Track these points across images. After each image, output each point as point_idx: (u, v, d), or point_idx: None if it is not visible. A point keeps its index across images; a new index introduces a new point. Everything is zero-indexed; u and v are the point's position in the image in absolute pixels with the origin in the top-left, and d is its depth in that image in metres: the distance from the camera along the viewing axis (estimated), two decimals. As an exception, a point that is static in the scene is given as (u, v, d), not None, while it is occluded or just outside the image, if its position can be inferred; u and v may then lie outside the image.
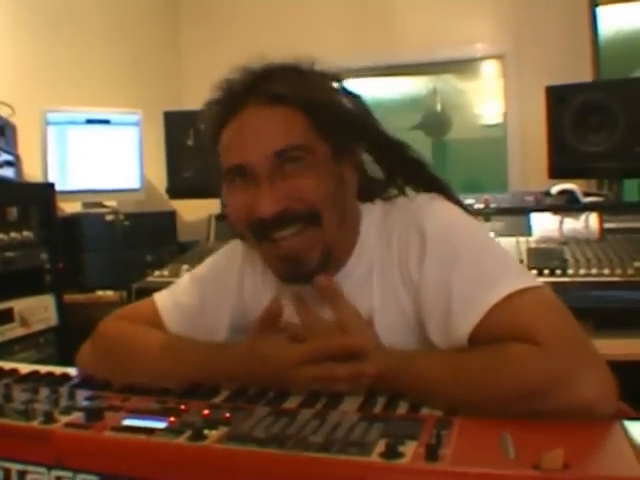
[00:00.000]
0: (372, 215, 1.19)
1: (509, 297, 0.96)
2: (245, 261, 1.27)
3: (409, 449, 0.72)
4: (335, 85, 1.15)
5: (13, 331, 2.27)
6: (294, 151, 1.05)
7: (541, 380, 0.88)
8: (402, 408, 0.92)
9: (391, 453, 0.71)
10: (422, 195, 1.18)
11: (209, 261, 1.34)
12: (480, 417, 0.83)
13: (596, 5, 3.72)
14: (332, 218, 1.09)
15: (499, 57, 4.06)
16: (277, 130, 1.06)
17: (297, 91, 1.07)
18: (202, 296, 1.28)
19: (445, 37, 3.95)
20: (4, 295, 2.27)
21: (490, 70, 4.26)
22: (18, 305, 2.31)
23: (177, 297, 1.30)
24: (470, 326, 0.98)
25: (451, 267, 1.03)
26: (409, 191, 1.21)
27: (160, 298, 1.31)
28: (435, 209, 1.13)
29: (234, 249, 1.30)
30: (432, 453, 0.70)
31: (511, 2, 3.91)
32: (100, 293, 2.85)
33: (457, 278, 1.02)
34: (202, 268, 1.34)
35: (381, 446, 0.72)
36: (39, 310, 2.40)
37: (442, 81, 4.57)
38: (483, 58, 4.17)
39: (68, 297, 2.57)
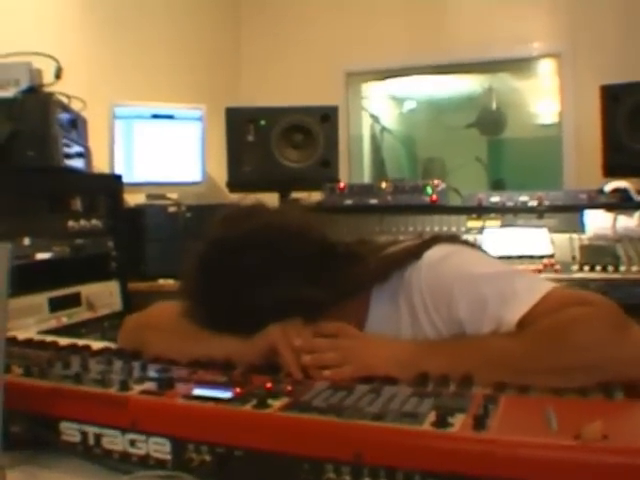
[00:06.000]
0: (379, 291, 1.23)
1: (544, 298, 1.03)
2: None
3: (458, 420, 0.77)
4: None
5: (80, 314, 2.36)
6: None
7: (600, 332, 0.94)
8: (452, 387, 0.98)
9: (441, 423, 0.76)
10: (428, 254, 1.19)
11: None
12: (526, 396, 0.89)
13: (655, 3, 3.69)
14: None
15: (555, 56, 4.04)
16: None
17: None
18: None
19: (501, 35, 3.96)
20: (73, 279, 2.36)
21: (546, 69, 4.25)
22: (85, 290, 2.40)
23: None
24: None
25: (483, 306, 1.08)
26: None
27: None
28: (445, 261, 1.17)
29: None
30: (480, 423, 0.75)
31: (568, 0, 3.90)
32: (162, 282, 2.92)
33: (489, 314, 1.07)
34: None
35: (432, 417, 0.78)
36: (105, 295, 2.49)
37: (498, 79, 4.57)
38: (539, 57, 4.15)
39: (131, 285, 2.65)
